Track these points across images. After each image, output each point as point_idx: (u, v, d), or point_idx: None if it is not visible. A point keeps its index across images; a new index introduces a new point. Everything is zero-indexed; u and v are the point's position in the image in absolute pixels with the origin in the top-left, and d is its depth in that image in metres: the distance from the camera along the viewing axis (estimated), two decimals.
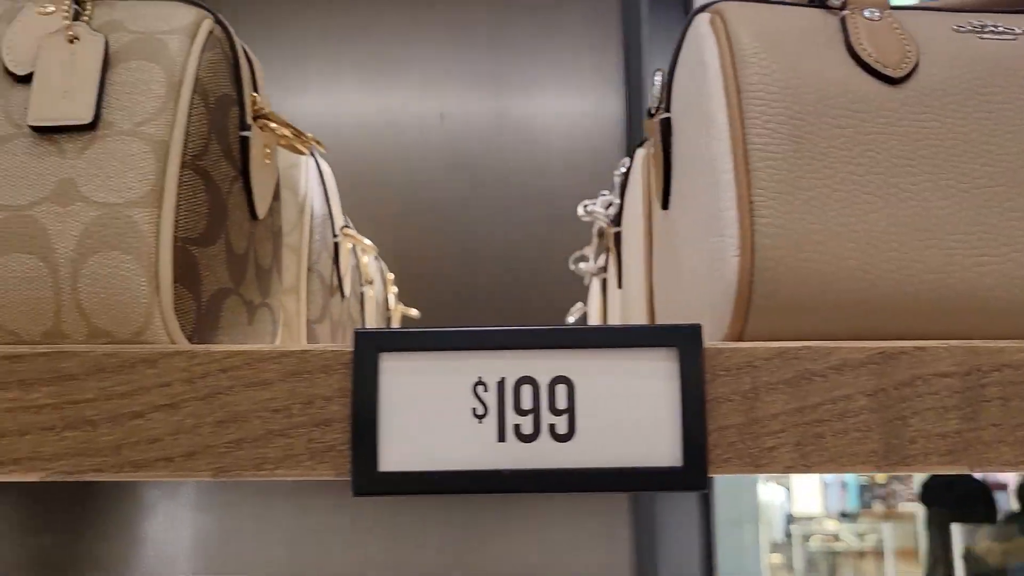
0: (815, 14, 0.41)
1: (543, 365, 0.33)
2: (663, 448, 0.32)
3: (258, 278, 0.44)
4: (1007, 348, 0.33)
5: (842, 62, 0.39)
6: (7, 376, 0.32)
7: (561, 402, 0.33)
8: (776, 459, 0.33)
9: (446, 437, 0.32)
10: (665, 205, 0.44)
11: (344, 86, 1.24)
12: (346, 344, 0.33)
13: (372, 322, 0.75)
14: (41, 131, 0.37)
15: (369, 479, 0.32)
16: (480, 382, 0.33)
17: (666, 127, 0.43)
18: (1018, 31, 0.40)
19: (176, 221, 0.37)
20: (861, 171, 0.36)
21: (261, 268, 0.44)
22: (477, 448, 0.32)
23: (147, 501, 1.11)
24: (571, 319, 0.89)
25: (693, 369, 0.33)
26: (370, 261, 0.75)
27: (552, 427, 0.32)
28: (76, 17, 0.39)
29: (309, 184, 0.56)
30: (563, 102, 1.27)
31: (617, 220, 0.61)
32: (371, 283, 0.73)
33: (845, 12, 0.40)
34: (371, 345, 0.32)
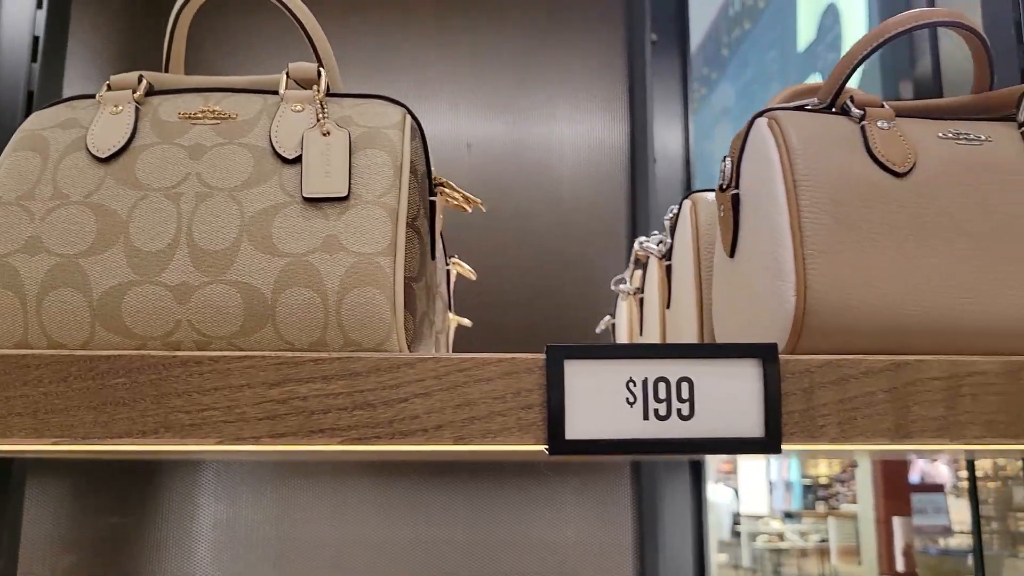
0: (841, 121, 0.58)
1: (673, 369, 0.49)
2: (751, 425, 0.49)
3: (433, 302, 0.60)
4: (977, 361, 0.50)
5: (864, 160, 0.55)
6: (313, 372, 0.48)
7: (684, 394, 0.49)
8: (825, 433, 0.49)
9: (608, 417, 0.48)
10: (732, 254, 0.60)
11: None
12: (541, 353, 0.49)
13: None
14: (310, 200, 0.52)
15: (559, 444, 0.48)
16: (631, 380, 0.49)
17: (736, 199, 0.59)
18: (983, 138, 0.58)
19: (405, 265, 0.52)
20: (880, 238, 0.53)
21: (434, 295, 0.60)
22: (629, 424, 0.48)
23: (205, 486, 1.25)
24: (600, 329, 1.05)
25: (771, 373, 0.49)
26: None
27: (679, 410, 0.49)
28: (322, 110, 0.54)
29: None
30: (575, 129, 1.43)
31: (668, 255, 0.77)
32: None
33: (864, 122, 0.57)
34: (559, 354, 0.48)
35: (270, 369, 0.47)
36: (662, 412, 0.49)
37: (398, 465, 1.27)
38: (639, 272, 0.90)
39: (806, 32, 5.99)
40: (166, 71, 0.63)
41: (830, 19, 5.61)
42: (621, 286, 0.90)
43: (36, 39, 1.09)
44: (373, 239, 0.51)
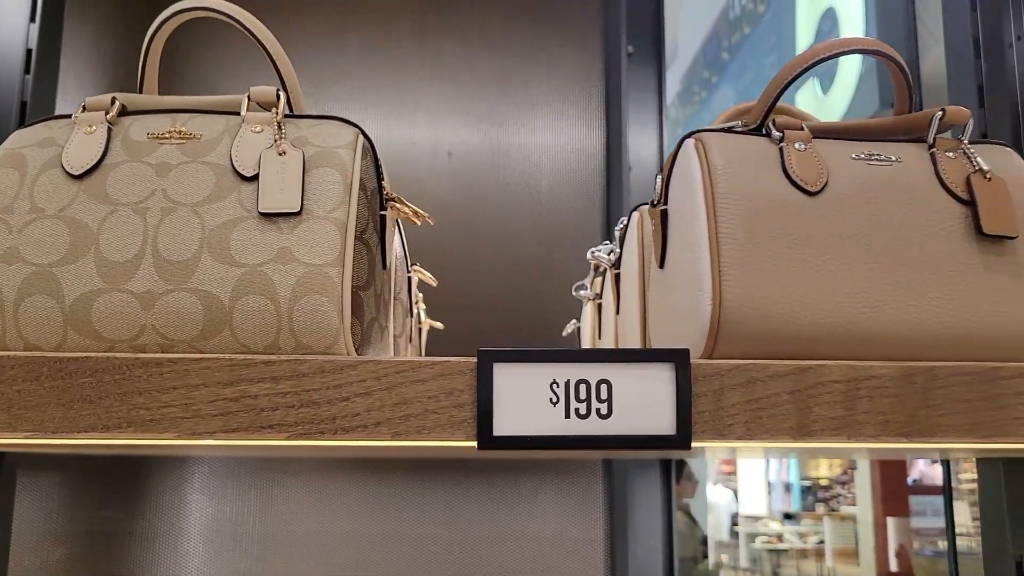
0: (763, 142, 0.62)
1: (593, 372, 0.53)
2: (664, 423, 0.53)
3: (384, 309, 0.64)
4: (874, 366, 0.55)
5: (779, 179, 0.60)
6: (263, 373, 0.52)
7: (603, 395, 0.53)
8: (733, 431, 0.54)
9: (533, 415, 0.53)
10: (662, 265, 0.65)
11: (365, 120, 1.43)
12: (471, 357, 0.53)
13: (414, 333, 0.95)
14: (266, 215, 0.56)
15: (488, 440, 0.52)
16: (555, 381, 0.53)
17: (664, 215, 0.64)
18: (893, 159, 0.62)
19: (352, 275, 0.57)
20: (790, 252, 0.58)
21: (385, 301, 0.65)
22: (552, 422, 0.53)
23: (193, 481, 1.30)
24: (566, 332, 1.10)
25: (683, 376, 0.54)
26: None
27: (598, 410, 0.53)
28: (279, 131, 0.59)
29: (396, 238, 0.76)
30: (553, 138, 1.47)
31: (617, 264, 0.82)
32: (417, 302, 0.93)
33: (783, 144, 0.62)
34: (488, 358, 0.53)
35: (224, 370, 0.52)
36: (582, 411, 0.53)
37: (382, 462, 1.31)
38: (599, 279, 0.95)
39: (805, 36, 6.02)
40: (140, 91, 0.68)
41: (828, 24, 5.64)
42: (581, 292, 0.94)
43: (29, 52, 1.14)
44: (323, 251, 0.56)
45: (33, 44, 1.14)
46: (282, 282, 0.55)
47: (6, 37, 1.13)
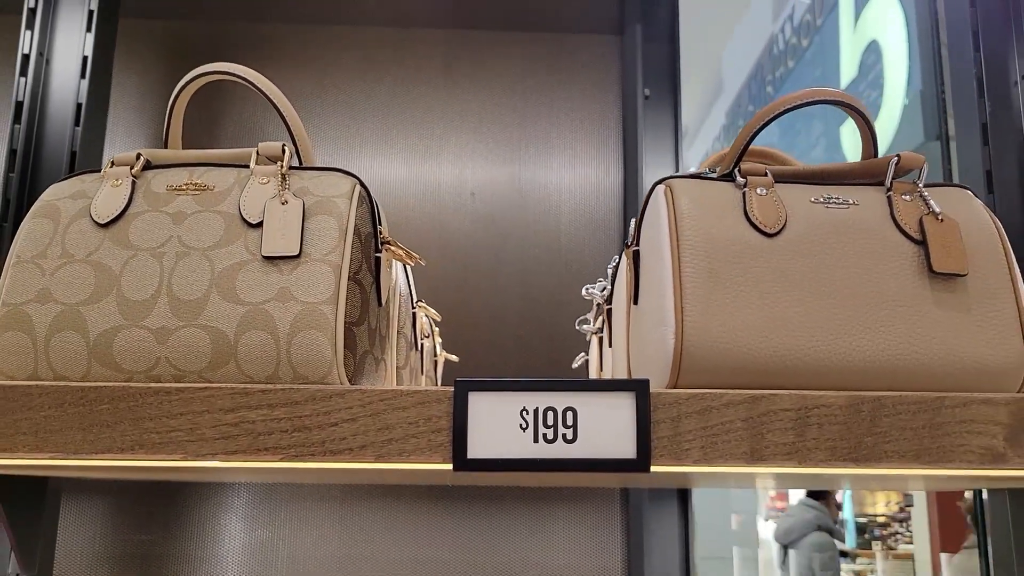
0: (728, 187, 0.67)
1: (560, 400, 0.58)
2: (625, 448, 0.58)
3: (380, 342, 0.70)
4: (824, 395, 0.59)
5: (740, 222, 0.65)
6: (261, 401, 0.58)
7: (569, 421, 0.58)
8: (689, 455, 0.58)
9: (505, 439, 0.58)
10: (636, 302, 0.70)
11: (393, 162, 1.51)
12: (449, 387, 0.59)
13: (428, 365, 1.01)
14: (269, 259, 0.63)
15: (462, 462, 0.57)
16: (524, 409, 0.58)
17: (636, 255, 0.69)
18: (851, 202, 0.67)
19: (345, 312, 0.63)
20: (747, 291, 0.62)
21: (382, 336, 0.71)
22: (522, 446, 0.58)
23: (226, 507, 1.36)
24: (576, 364, 1.15)
25: (643, 404, 0.58)
26: (425, 319, 1.00)
27: (564, 435, 0.58)
28: (283, 182, 0.66)
29: (398, 274, 0.82)
30: (572, 178, 1.53)
31: (609, 299, 0.87)
32: (427, 337, 0.99)
33: (745, 189, 0.66)
34: (464, 387, 0.58)
35: (226, 398, 0.58)
36: (550, 436, 0.58)
37: (403, 489, 1.37)
38: (602, 315, 1.00)
39: (848, 70, 6.03)
40: (165, 146, 0.75)
41: (872, 57, 5.65)
42: (584, 327, 0.99)
43: (79, 105, 1.23)
44: (318, 290, 0.62)
45: (83, 99, 1.23)
46: (281, 318, 0.61)
47: (58, 92, 1.23)
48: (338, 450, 0.58)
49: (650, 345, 0.66)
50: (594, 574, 1.35)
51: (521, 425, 0.58)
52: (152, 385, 0.58)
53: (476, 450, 0.58)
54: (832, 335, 0.62)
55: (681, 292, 0.62)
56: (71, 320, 0.62)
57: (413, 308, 0.86)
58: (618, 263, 0.86)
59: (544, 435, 0.58)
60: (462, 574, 1.34)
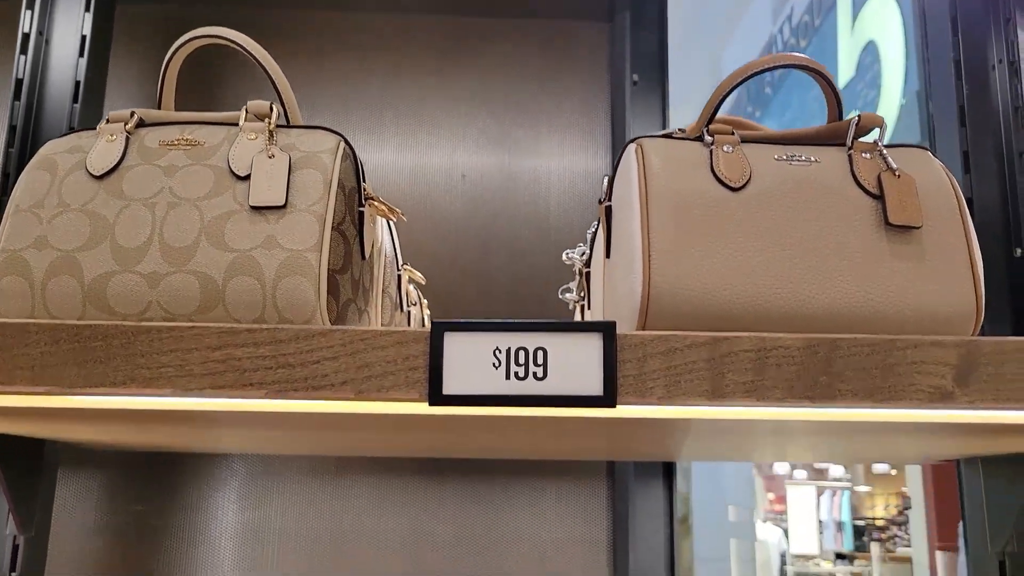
0: (696, 146, 0.70)
1: (531, 340, 0.61)
2: (593, 386, 0.61)
3: (364, 294, 0.73)
4: (782, 337, 0.62)
5: (707, 178, 0.68)
6: (247, 340, 0.61)
7: (540, 360, 0.61)
8: (653, 393, 0.61)
9: (478, 377, 0.61)
10: (608, 255, 0.73)
11: (386, 146, 1.54)
12: (426, 328, 0.62)
13: None
14: (256, 209, 0.66)
15: (438, 398, 0.60)
16: (497, 348, 0.61)
17: (608, 211, 0.72)
18: (813, 159, 0.70)
19: (329, 259, 0.66)
20: (713, 241, 0.65)
21: (365, 288, 0.74)
22: (494, 383, 0.61)
23: (221, 480, 1.39)
24: None
25: (610, 345, 0.61)
26: (412, 289, 1.03)
27: (535, 373, 0.61)
28: (270, 138, 0.69)
29: (383, 236, 0.85)
30: (562, 157, 1.56)
31: (588, 263, 0.90)
32: (415, 304, 1.02)
33: (712, 147, 0.69)
34: (440, 327, 0.61)
35: (213, 337, 0.61)
36: (521, 374, 0.61)
37: (396, 464, 1.40)
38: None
39: (846, 70, 6.07)
40: (159, 107, 0.78)
41: (869, 57, 5.69)
42: (567, 295, 1.02)
43: (78, 83, 1.26)
44: (303, 238, 0.65)
45: (81, 77, 1.27)
46: (267, 264, 0.64)
47: (57, 70, 1.26)
48: (320, 386, 0.61)
49: (620, 294, 0.69)
50: (582, 546, 1.38)
51: (494, 364, 0.61)
52: (143, 324, 0.61)
53: (451, 387, 0.61)
54: (793, 284, 0.65)
55: (649, 242, 0.65)
56: (67, 265, 0.65)
57: (398, 271, 0.89)
58: (596, 227, 0.89)
59: (516, 373, 0.61)
60: (453, 547, 1.37)
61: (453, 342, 0.61)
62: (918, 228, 0.67)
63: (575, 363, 0.61)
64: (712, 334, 0.62)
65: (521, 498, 1.39)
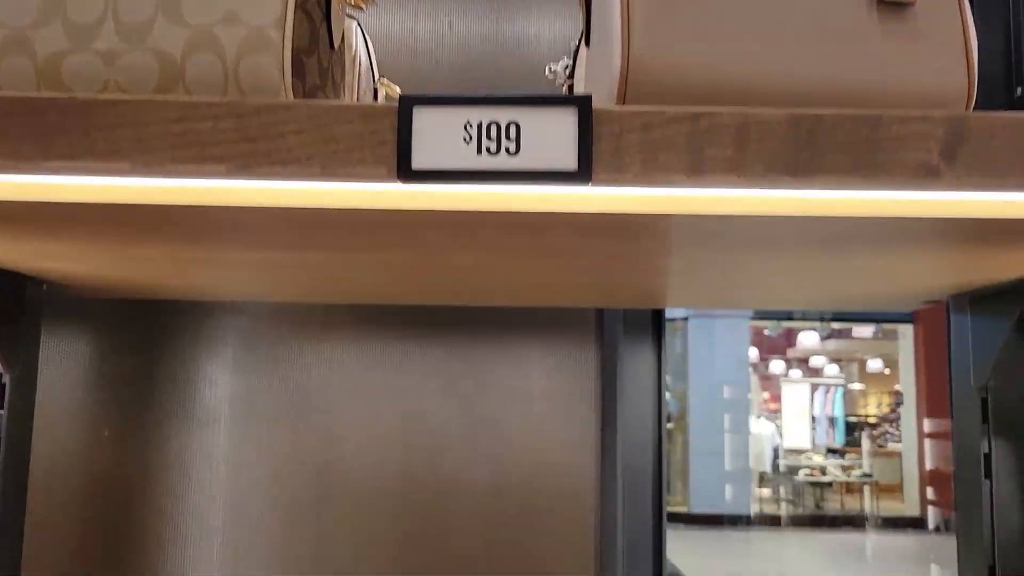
0: None
1: (503, 114, 0.59)
2: (568, 161, 0.59)
3: (333, 87, 0.71)
4: (764, 111, 0.59)
5: None
6: (207, 113, 0.59)
7: (512, 134, 0.59)
8: (630, 169, 0.59)
9: (448, 152, 0.59)
10: (588, 44, 0.70)
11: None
12: (395, 102, 0.59)
13: None
14: None
15: (407, 173, 0.58)
16: (468, 123, 0.59)
17: None
18: None
19: (293, 38, 0.63)
20: (694, 15, 0.63)
21: (335, 81, 0.71)
22: (465, 159, 0.59)
23: (209, 330, 1.39)
24: None
25: (585, 118, 0.59)
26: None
27: (507, 148, 0.59)
28: None
29: (358, 44, 0.82)
30: (553, 24, 1.51)
31: (571, 74, 0.87)
32: None
33: None
34: (409, 101, 0.59)
35: (172, 110, 0.59)
36: (493, 149, 0.59)
37: (376, 315, 1.39)
38: None
39: None
40: None
41: None
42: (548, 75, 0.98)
43: None
44: (265, 14, 0.62)
45: None
46: (228, 41, 0.62)
47: None
48: (285, 161, 0.59)
49: (599, 75, 0.66)
50: (569, 396, 1.38)
51: (465, 138, 0.59)
52: (100, 97, 0.59)
53: (420, 162, 0.59)
54: (776, 59, 0.63)
55: (628, 17, 0.63)
56: (18, 44, 0.62)
57: (375, 84, 0.86)
58: (579, 43, 0.86)
59: (487, 148, 0.59)
60: (436, 399, 1.37)
61: (422, 116, 0.59)
62: (911, 6, 0.64)
63: (549, 138, 0.59)
64: (691, 108, 0.60)
65: (505, 351, 1.38)
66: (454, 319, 1.39)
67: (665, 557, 1.33)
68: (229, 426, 1.36)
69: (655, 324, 1.41)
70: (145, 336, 1.37)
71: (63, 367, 1.36)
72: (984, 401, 1.10)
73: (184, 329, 1.38)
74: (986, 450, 1.10)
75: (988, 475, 1.10)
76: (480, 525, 1.36)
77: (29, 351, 1.14)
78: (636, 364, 1.39)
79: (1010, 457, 1.09)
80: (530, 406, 1.37)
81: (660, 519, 1.38)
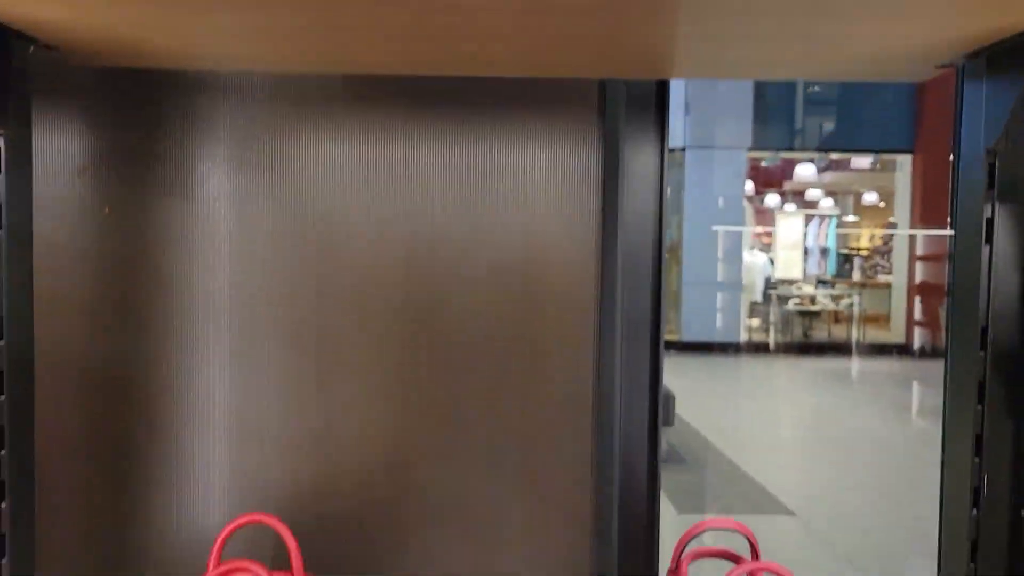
0: None
1: None
2: None
3: None
4: None
5: None
6: None
7: None
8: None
9: None
10: None
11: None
12: None
13: None
14: None
15: None
16: None
17: None
18: None
19: None
20: None
21: None
22: None
23: (215, 106, 1.36)
24: None
25: None
26: None
27: None
28: None
29: None
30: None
31: None
32: None
33: None
34: None
35: None
36: None
37: (382, 93, 1.36)
38: None
39: None
40: None
41: None
42: None
43: None
44: None
45: None
46: None
47: None
48: None
49: None
50: (570, 175, 1.37)
51: None
52: None
53: None
54: None
55: None
56: None
57: None
58: None
59: None
60: (431, 173, 1.36)
61: None
62: None
63: None
64: None
65: (504, 127, 1.36)
66: (453, 90, 1.36)
67: (663, 329, 1.36)
68: (227, 204, 1.35)
69: (659, 102, 1.38)
70: (137, 112, 1.34)
71: (57, 143, 1.34)
72: (991, 166, 1.10)
73: (176, 106, 1.35)
74: (988, 215, 1.10)
75: (989, 240, 1.10)
76: (482, 304, 1.38)
77: (20, 112, 1.11)
78: (639, 140, 1.37)
79: (1011, 221, 1.09)
80: (532, 187, 1.36)
81: (659, 299, 1.40)
